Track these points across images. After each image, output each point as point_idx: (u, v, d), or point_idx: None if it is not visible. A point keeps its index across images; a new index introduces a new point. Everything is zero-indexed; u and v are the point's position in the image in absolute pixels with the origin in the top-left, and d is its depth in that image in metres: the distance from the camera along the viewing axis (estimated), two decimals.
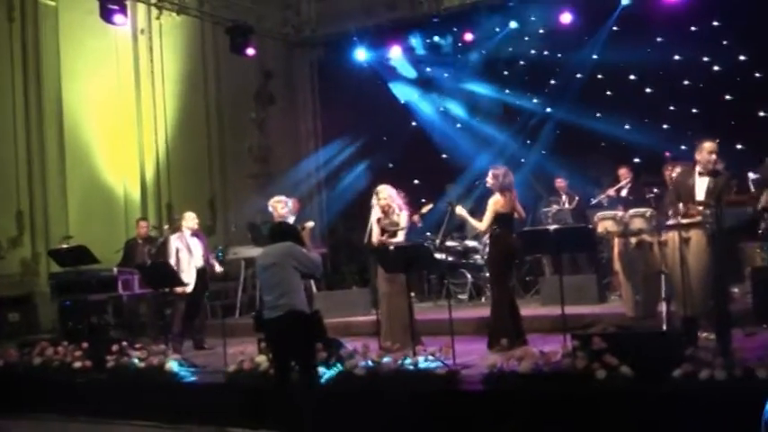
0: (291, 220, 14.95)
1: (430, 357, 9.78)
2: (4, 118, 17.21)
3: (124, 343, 11.98)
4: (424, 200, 17.82)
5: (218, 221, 20.22)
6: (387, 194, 12.17)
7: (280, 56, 22.37)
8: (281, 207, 13.28)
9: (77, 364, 12.03)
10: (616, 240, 11.33)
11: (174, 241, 14.08)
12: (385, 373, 9.79)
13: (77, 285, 13.94)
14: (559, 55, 19.04)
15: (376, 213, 12.20)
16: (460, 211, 12.03)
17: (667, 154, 11.03)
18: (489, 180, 11.79)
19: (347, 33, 20.34)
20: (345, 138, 21.03)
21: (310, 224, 13.47)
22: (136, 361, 11.58)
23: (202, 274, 14.06)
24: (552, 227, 11.62)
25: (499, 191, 11.67)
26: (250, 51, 19.10)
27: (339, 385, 9.83)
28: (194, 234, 14.38)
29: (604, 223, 11.28)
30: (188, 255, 13.98)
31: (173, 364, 11.32)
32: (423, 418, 9.27)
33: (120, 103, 19.15)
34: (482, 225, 11.80)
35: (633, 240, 11.02)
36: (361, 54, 20.62)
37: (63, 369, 12.16)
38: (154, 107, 19.84)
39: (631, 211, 11.25)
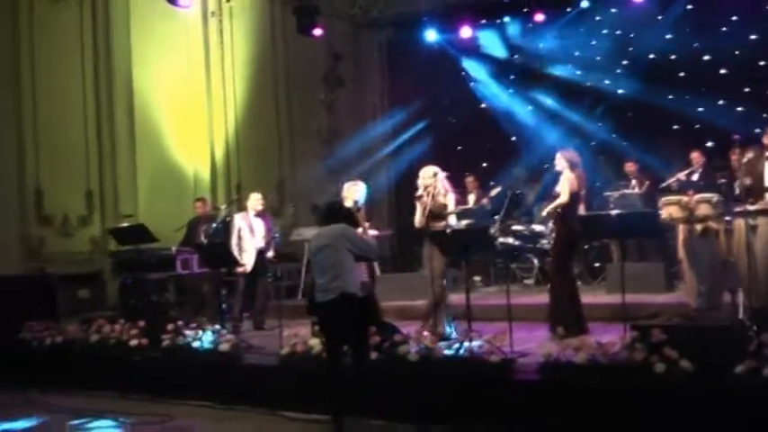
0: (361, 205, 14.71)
1: (485, 344, 9.40)
2: (75, 100, 17.19)
3: (180, 322, 11.87)
4: (492, 183, 17.58)
5: (287, 203, 19.99)
6: (431, 175, 11.65)
7: (348, 37, 22.19)
8: (355, 192, 12.82)
9: (133, 342, 12.00)
10: (681, 227, 10.83)
11: (238, 221, 14.05)
12: (438, 358, 9.48)
13: (137, 264, 13.94)
14: (632, 35, 18.49)
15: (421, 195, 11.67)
16: (545, 211, 11.71)
17: (736, 137, 10.42)
18: (558, 162, 11.35)
19: (416, 14, 20.02)
20: (414, 119, 20.61)
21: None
22: (190, 340, 11.40)
23: (263, 255, 13.87)
24: (615, 211, 11.08)
25: (570, 168, 11.24)
26: (317, 32, 18.85)
27: (391, 370, 9.53)
28: (258, 215, 14.25)
29: (669, 209, 10.76)
30: (250, 235, 13.89)
31: (226, 345, 11.07)
32: (474, 405, 8.97)
33: (190, 86, 19.07)
34: (563, 197, 11.14)
35: (698, 227, 10.52)
36: (431, 35, 20.22)
37: (119, 346, 12.15)
38: (224, 89, 19.75)
39: (697, 197, 10.73)
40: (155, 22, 18.26)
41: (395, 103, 21.46)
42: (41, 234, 16.57)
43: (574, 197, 11.14)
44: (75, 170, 17.10)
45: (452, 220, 11.65)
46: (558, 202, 11.20)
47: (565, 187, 11.13)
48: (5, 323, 13.32)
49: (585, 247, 15.76)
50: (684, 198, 10.83)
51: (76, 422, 10.38)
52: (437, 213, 11.48)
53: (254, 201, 14.37)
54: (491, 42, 20.27)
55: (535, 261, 15.90)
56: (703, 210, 10.47)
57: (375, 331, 9.70)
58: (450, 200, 11.59)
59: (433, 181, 11.56)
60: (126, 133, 17.83)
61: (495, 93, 20.63)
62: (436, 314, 11.31)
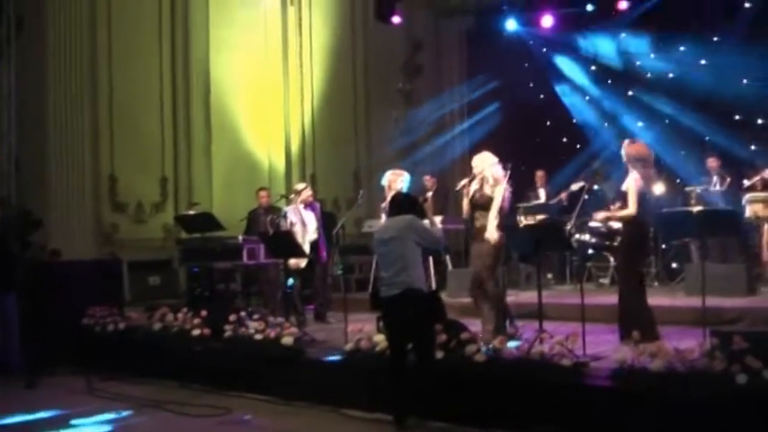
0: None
1: (557, 347, 8.81)
2: (151, 86, 17.12)
3: (243, 313, 11.50)
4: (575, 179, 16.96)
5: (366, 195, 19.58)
6: (480, 162, 10.84)
7: (428, 26, 21.56)
8: (398, 182, 12.30)
9: (196, 332, 11.67)
10: (766, 227, 10.14)
11: (289, 214, 13.54)
12: (506, 361, 8.90)
13: (204, 252, 13.51)
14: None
15: (470, 184, 10.84)
16: (599, 216, 11.00)
17: None
18: (625, 153, 10.53)
19: (497, 2, 19.41)
20: (493, 109, 19.95)
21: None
22: (252, 332, 10.99)
23: (316, 246, 13.49)
24: (695, 208, 10.32)
25: (633, 166, 10.45)
26: (396, 19, 18.54)
27: (457, 371, 8.97)
28: (308, 206, 13.77)
29: (754, 207, 10.13)
30: (302, 228, 13.40)
31: (289, 339, 10.63)
32: (542, 411, 8.41)
33: (267, 74, 18.86)
34: (631, 210, 10.25)
35: None
36: (512, 24, 19.64)
37: (181, 335, 11.86)
38: (301, 78, 19.48)
39: None
40: (233, 9, 18.17)
41: (474, 92, 20.67)
42: (115, 220, 16.56)
43: (642, 198, 10.44)
44: (149, 157, 17.06)
45: (493, 212, 10.74)
46: (622, 213, 10.48)
47: (632, 197, 10.25)
48: (70, 308, 13.17)
49: (663, 246, 15.03)
50: None
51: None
52: (482, 205, 10.68)
53: (302, 192, 13.85)
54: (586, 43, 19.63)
55: (611, 259, 15.20)
56: None
57: (441, 329, 9.15)
58: (498, 191, 10.60)
59: (482, 168, 10.75)
60: (202, 120, 17.71)
61: (576, 87, 19.90)
62: (495, 317, 10.61)
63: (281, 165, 18.93)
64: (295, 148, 19.21)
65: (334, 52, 20.10)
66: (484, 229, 10.53)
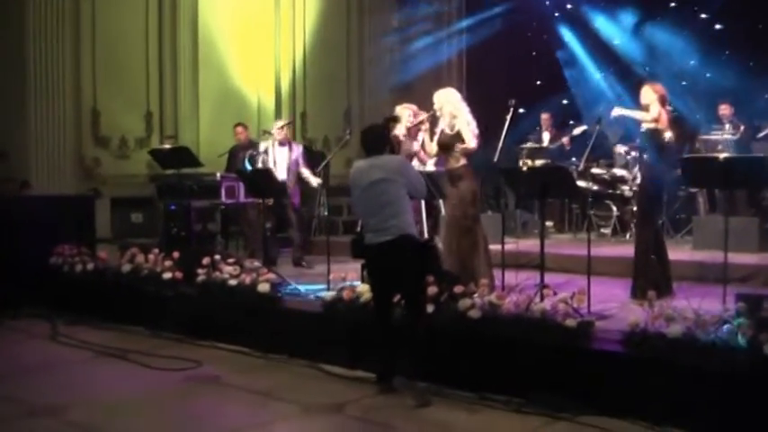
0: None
1: (561, 304, 7.66)
2: (136, 17, 16.24)
3: (217, 256, 10.28)
4: (572, 122, 15.86)
5: (354, 134, 18.38)
6: (445, 98, 9.60)
7: None
8: (408, 116, 10.98)
9: (167, 275, 10.44)
10: None
11: (261, 151, 12.63)
12: (504, 318, 7.73)
13: (180, 190, 12.44)
14: None
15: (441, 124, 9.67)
16: (618, 111, 9.77)
17: None
18: (645, 95, 9.48)
19: None
20: (493, 51, 18.58)
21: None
22: (227, 277, 9.82)
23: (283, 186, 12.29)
24: (723, 155, 9.07)
25: (654, 107, 9.37)
26: None
27: (450, 327, 7.85)
28: (283, 143, 12.79)
29: None
30: (272, 167, 12.36)
31: (266, 286, 9.48)
32: (543, 376, 7.28)
33: (258, 8, 17.84)
34: (652, 114, 9.33)
35: None
36: None
37: (152, 279, 10.64)
38: (293, 13, 18.42)
39: None
40: None
41: (474, 31, 19.30)
42: (97, 155, 15.80)
43: (657, 135, 9.38)
44: (134, 91, 16.27)
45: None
46: (644, 118, 9.39)
47: (653, 109, 9.36)
48: (39, 245, 11.92)
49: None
50: None
51: None
52: (445, 145, 9.55)
53: (274, 128, 12.99)
54: None
55: (614, 209, 14.07)
56: None
57: (432, 280, 8.01)
58: (462, 126, 9.44)
59: (449, 105, 9.57)
60: (189, 55, 16.85)
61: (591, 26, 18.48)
62: (489, 268, 9.46)
63: (270, 102, 18.00)
64: (285, 85, 18.23)
65: None
66: (455, 170, 9.49)
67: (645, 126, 9.48)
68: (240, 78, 17.44)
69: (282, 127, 13.08)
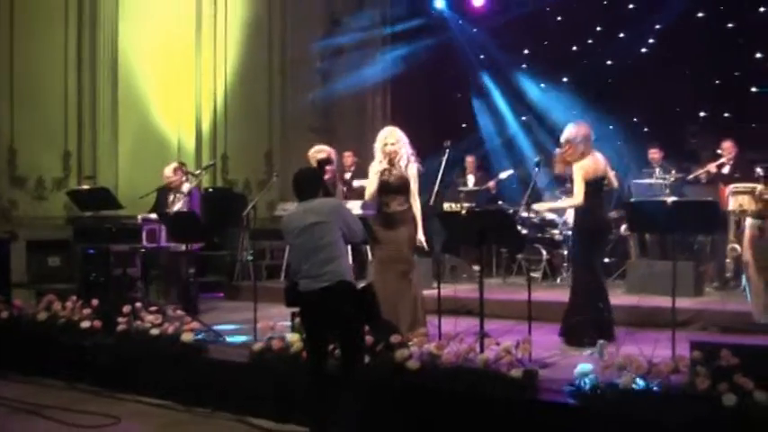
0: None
1: (503, 353, 7.16)
2: (55, 54, 15.33)
3: (138, 304, 9.65)
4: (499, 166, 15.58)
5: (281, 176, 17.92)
6: (397, 138, 9.14)
7: (350, 2, 19.67)
8: (320, 156, 10.32)
9: (85, 324, 9.75)
10: (749, 222, 8.58)
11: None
12: (444, 369, 7.23)
13: (98, 232, 11.71)
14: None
15: (378, 164, 9.19)
16: (541, 206, 9.41)
17: None
18: (569, 136, 9.03)
19: None
20: (417, 90, 18.13)
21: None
22: (148, 326, 9.17)
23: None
24: (669, 199, 8.66)
25: (582, 154, 8.96)
26: None
27: (387, 379, 7.35)
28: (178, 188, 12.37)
29: (739, 198, 8.57)
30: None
31: (190, 335, 8.84)
32: (489, 428, 6.81)
33: (179, 46, 17.03)
34: (576, 198, 8.90)
35: None
36: (440, 2, 17.89)
37: (69, 328, 9.91)
38: (214, 52, 17.62)
39: None
40: None
41: (397, 75, 18.87)
42: (13, 196, 14.84)
43: (594, 185, 8.91)
44: (52, 130, 15.33)
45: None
46: (566, 203, 9.07)
47: (578, 184, 8.91)
48: None
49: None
50: (760, 187, 8.55)
51: None
52: (393, 188, 9.07)
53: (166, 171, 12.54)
54: None
55: (544, 252, 13.68)
56: None
57: (367, 330, 7.46)
58: (412, 170, 9.06)
59: (396, 146, 9.09)
60: (108, 93, 15.95)
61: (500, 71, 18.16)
62: (422, 315, 9.01)
63: (191, 143, 17.20)
64: (206, 125, 17.48)
65: (250, 26, 18.27)
66: (398, 214, 9.00)
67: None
68: (160, 117, 16.72)
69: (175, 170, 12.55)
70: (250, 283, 11.85)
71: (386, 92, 19.31)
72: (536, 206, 9.84)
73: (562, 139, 9.11)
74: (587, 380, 6.54)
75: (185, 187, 12.22)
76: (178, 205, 11.86)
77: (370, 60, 18.98)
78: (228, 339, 9.56)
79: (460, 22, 18.21)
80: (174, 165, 12.94)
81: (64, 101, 15.48)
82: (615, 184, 9.67)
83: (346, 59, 18.76)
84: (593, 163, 8.95)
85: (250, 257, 13.30)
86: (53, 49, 15.30)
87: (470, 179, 15.46)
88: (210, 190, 16.18)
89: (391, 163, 9.07)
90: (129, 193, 13.56)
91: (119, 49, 16.00)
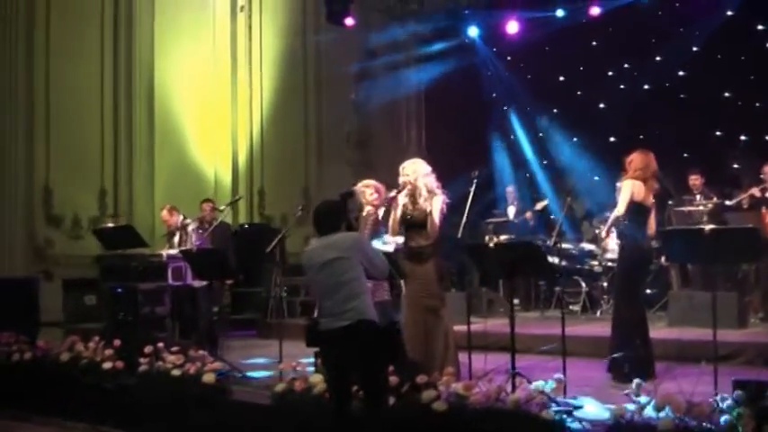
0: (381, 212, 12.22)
1: (537, 394, 6.68)
2: (92, 92, 15.35)
3: (160, 344, 9.25)
4: (537, 196, 15.06)
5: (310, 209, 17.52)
6: (412, 170, 8.65)
7: (384, 32, 19.13)
8: (369, 194, 9.86)
9: (107, 365, 9.34)
10: None
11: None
12: (473, 410, 6.74)
13: (125, 271, 11.57)
14: (697, 32, 15.30)
15: (402, 197, 8.69)
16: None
17: None
18: (632, 165, 8.67)
19: (456, 8, 17.23)
20: (452, 122, 17.69)
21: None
22: (170, 367, 8.79)
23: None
24: (707, 227, 8.12)
25: (640, 178, 8.56)
26: (349, 21, 16.37)
27: (413, 421, 6.85)
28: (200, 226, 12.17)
29: None
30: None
31: (211, 376, 8.43)
32: None
33: (215, 83, 16.95)
34: (619, 208, 8.54)
35: None
36: (473, 31, 17.46)
37: (92, 369, 9.49)
38: (250, 87, 17.50)
39: None
40: (181, 14, 16.42)
41: (431, 104, 18.46)
42: (49, 235, 14.82)
43: (639, 209, 8.44)
44: (88, 168, 15.29)
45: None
46: (613, 214, 8.56)
47: (625, 195, 8.55)
48: None
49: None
50: None
51: None
52: (416, 222, 8.59)
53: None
54: None
55: (583, 285, 13.17)
56: None
57: (392, 370, 7.00)
58: (436, 203, 8.51)
59: (414, 178, 8.62)
60: (145, 130, 15.96)
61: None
62: (455, 356, 8.49)
63: (227, 178, 17.02)
64: (242, 161, 17.30)
65: (285, 61, 18.07)
66: (424, 248, 8.50)
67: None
68: (197, 153, 16.58)
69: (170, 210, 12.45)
70: (282, 321, 11.48)
71: (420, 123, 18.95)
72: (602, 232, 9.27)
73: (627, 161, 8.79)
74: (623, 422, 6.05)
75: (192, 225, 11.90)
76: (191, 241, 11.52)
77: (403, 84, 18.61)
78: (250, 375, 9.22)
79: (493, 57, 17.79)
80: (168, 206, 12.76)
81: (100, 138, 15.43)
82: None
83: (379, 86, 18.34)
84: (645, 189, 8.52)
85: (284, 294, 12.94)
86: (89, 87, 15.27)
87: (511, 210, 14.95)
88: (246, 226, 15.88)
89: (413, 196, 8.61)
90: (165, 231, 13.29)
91: (155, 84, 15.99)
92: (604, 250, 12.56)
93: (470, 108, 17.54)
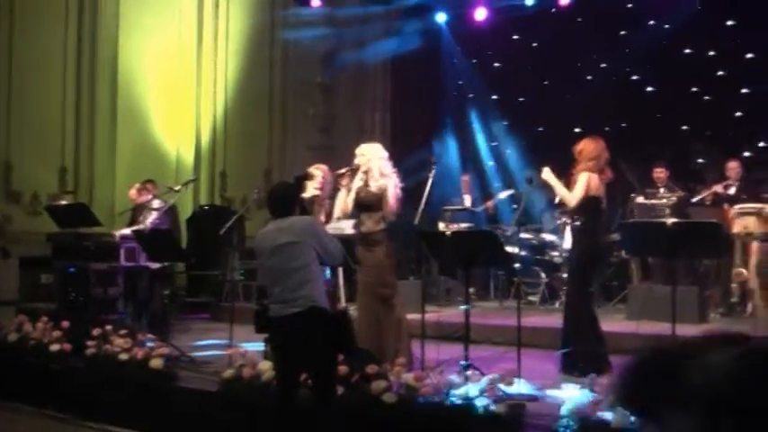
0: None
1: (487, 385, 6.45)
2: (54, 69, 15.01)
3: (108, 326, 8.94)
4: (498, 185, 14.79)
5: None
6: (368, 151, 8.48)
7: (352, 15, 18.77)
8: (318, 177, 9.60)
9: (54, 347, 9.05)
10: (754, 246, 7.82)
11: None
12: (423, 403, 6.52)
13: (77, 250, 11.12)
14: (666, 26, 14.96)
15: (356, 182, 8.46)
16: (547, 174, 8.48)
17: None
18: (583, 155, 8.26)
19: None
20: (417, 108, 17.41)
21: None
22: (117, 350, 8.49)
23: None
24: (669, 220, 7.85)
25: (595, 170, 8.21)
26: (315, 2, 16.04)
27: (362, 412, 6.66)
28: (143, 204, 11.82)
29: (743, 221, 7.77)
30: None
31: (159, 361, 8.15)
32: None
33: (180, 62, 16.54)
34: (573, 197, 8.08)
35: None
36: (442, 17, 17.14)
37: (38, 351, 9.23)
38: (215, 67, 17.08)
39: None
40: None
41: (398, 90, 18.18)
42: (8, 211, 14.53)
43: (594, 202, 8.15)
44: (49, 145, 15.01)
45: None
46: (566, 199, 8.20)
47: (579, 187, 8.09)
48: None
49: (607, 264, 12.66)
50: (766, 207, 7.78)
51: None
52: (368, 204, 8.37)
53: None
54: None
55: (543, 275, 12.93)
56: None
57: (343, 359, 6.77)
58: (389, 186, 8.26)
59: (366, 160, 8.45)
60: (107, 108, 15.59)
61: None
62: (408, 345, 8.25)
63: (189, 159, 16.61)
64: (205, 142, 16.89)
65: (252, 42, 17.62)
66: (375, 234, 8.29)
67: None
68: (159, 133, 16.19)
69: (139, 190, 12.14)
70: (237, 305, 11.19)
71: (384, 108, 18.55)
72: (545, 173, 8.90)
73: (576, 151, 8.37)
74: (575, 417, 5.83)
75: (155, 203, 11.55)
76: (149, 221, 11.17)
77: (369, 68, 18.33)
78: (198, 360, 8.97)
79: (458, 44, 17.48)
80: (138, 185, 12.40)
81: (62, 115, 15.14)
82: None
83: (345, 69, 18.08)
84: (599, 181, 8.22)
85: (240, 277, 12.65)
86: (52, 64, 14.96)
87: (466, 199, 14.58)
88: (206, 207, 15.54)
89: (366, 178, 8.39)
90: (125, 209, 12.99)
91: (118, 62, 15.64)
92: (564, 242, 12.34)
93: (435, 95, 17.28)
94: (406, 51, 16.81)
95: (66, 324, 9.26)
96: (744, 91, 14.14)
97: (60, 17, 15.03)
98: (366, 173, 8.39)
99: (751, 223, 7.71)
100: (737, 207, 8.28)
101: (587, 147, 8.26)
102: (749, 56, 14.18)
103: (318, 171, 9.34)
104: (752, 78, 13.99)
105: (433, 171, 8.57)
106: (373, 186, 8.33)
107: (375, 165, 8.37)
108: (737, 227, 7.93)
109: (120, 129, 15.57)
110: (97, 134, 15.41)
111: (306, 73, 18.07)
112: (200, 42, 16.84)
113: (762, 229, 7.66)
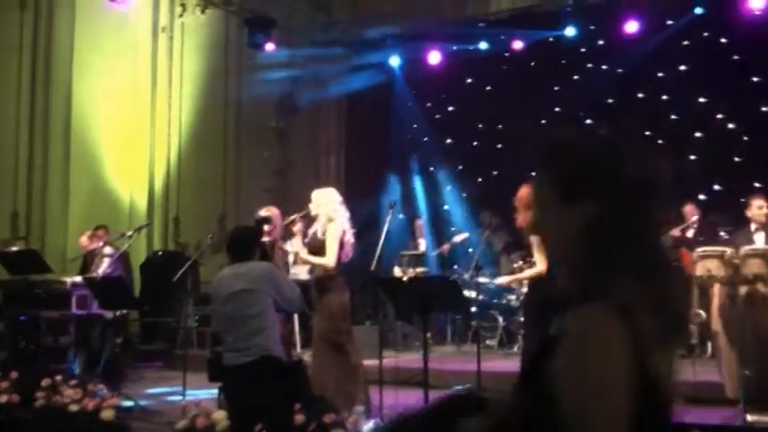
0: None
1: None
2: (7, 111, 14.79)
3: (58, 377, 8.66)
4: (454, 228, 14.75)
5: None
6: (319, 197, 8.43)
7: (308, 60, 18.85)
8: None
9: (2, 398, 8.70)
10: (716, 289, 7.73)
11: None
12: None
13: (28, 297, 10.88)
14: (620, 70, 15.27)
15: (317, 227, 8.43)
16: (502, 280, 8.48)
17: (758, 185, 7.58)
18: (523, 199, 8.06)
19: (382, 37, 16.94)
20: (372, 151, 17.41)
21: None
22: (67, 402, 8.22)
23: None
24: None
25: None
26: (269, 47, 16.02)
27: None
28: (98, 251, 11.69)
29: (706, 263, 7.64)
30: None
31: (110, 412, 7.92)
32: None
33: (134, 105, 16.30)
34: (540, 265, 7.79)
35: (743, 290, 7.39)
36: (395, 60, 17.23)
37: None
38: (169, 111, 16.87)
39: (746, 249, 7.64)
40: (101, 34, 15.66)
41: (352, 134, 18.14)
42: None
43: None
44: (0, 189, 14.66)
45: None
46: (532, 272, 8.02)
47: (538, 249, 7.79)
48: None
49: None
50: (728, 251, 7.71)
51: None
52: (314, 250, 8.26)
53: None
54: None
55: (500, 319, 12.86)
56: (754, 267, 7.32)
57: (299, 408, 6.59)
58: (330, 231, 8.16)
59: (314, 205, 8.43)
60: (60, 152, 15.27)
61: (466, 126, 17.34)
62: (365, 392, 8.10)
63: (143, 204, 16.35)
64: (159, 187, 16.65)
65: (206, 86, 17.50)
66: (325, 280, 8.18)
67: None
68: (113, 177, 15.91)
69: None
70: (191, 352, 10.98)
71: (339, 152, 18.50)
72: (498, 280, 8.89)
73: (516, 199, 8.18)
74: None
75: (107, 250, 11.36)
76: (101, 268, 10.96)
77: (323, 112, 18.24)
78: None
79: (411, 89, 17.51)
80: (89, 232, 12.29)
81: (15, 159, 14.87)
82: None
83: (300, 113, 17.96)
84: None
85: (194, 324, 12.45)
86: (4, 106, 14.76)
87: (421, 243, 14.54)
88: (159, 253, 15.30)
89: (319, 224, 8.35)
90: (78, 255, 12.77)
91: (72, 106, 15.37)
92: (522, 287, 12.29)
93: (389, 139, 17.24)
94: (360, 95, 16.84)
95: (14, 374, 9.00)
96: (697, 135, 14.26)
97: (14, 59, 14.82)
98: (316, 217, 8.34)
99: (714, 266, 7.60)
100: (700, 250, 8.18)
101: (525, 194, 8.05)
102: (702, 100, 14.32)
103: (269, 213, 9.22)
104: (703, 123, 14.17)
105: (390, 215, 8.46)
106: (320, 232, 8.23)
107: (323, 210, 8.31)
108: (700, 269, 7.82)
109: (72, 173, 15.26)
110: (50, 179, 15.10)
111: (260, 117, 18.00)
112: (154, 85, 16.66)
113: (724, 272, 7.58)
